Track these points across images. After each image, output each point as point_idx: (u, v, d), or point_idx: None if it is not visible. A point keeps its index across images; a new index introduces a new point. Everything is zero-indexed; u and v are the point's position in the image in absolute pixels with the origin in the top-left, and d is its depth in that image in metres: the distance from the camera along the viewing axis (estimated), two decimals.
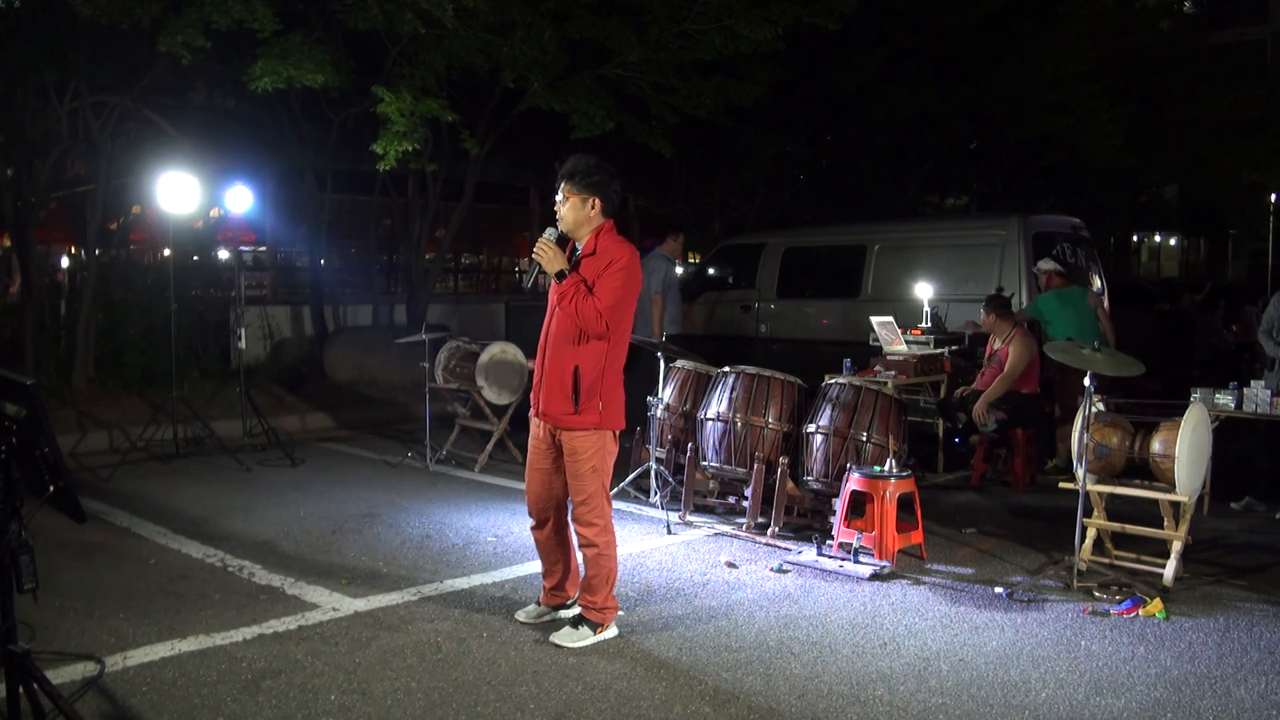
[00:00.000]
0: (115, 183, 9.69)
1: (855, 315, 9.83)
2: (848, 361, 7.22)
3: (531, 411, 4.26)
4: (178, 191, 7.73)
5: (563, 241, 4.16)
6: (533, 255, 4.06)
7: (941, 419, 7.71)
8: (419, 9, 8.27)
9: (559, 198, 4.12)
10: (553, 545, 4.34)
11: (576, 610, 4.26)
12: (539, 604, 4.43)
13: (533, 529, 4.36)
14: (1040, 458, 7.45)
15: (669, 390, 6.63)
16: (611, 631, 4.20)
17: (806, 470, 5.90)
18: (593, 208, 4.11)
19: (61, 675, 3.67)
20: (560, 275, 4.00)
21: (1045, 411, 7.58)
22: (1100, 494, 5.23)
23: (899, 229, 11.14)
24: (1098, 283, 10.23)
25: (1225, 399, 6.04)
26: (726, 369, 6.28)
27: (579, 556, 4.32)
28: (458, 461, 7.77)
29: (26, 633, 3.94)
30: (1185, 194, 24.80)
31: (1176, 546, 5.01)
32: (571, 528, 4.29)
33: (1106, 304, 8.82)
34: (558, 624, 4.26)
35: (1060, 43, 13.94)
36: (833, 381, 6.10)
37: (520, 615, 4.41)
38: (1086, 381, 4.92)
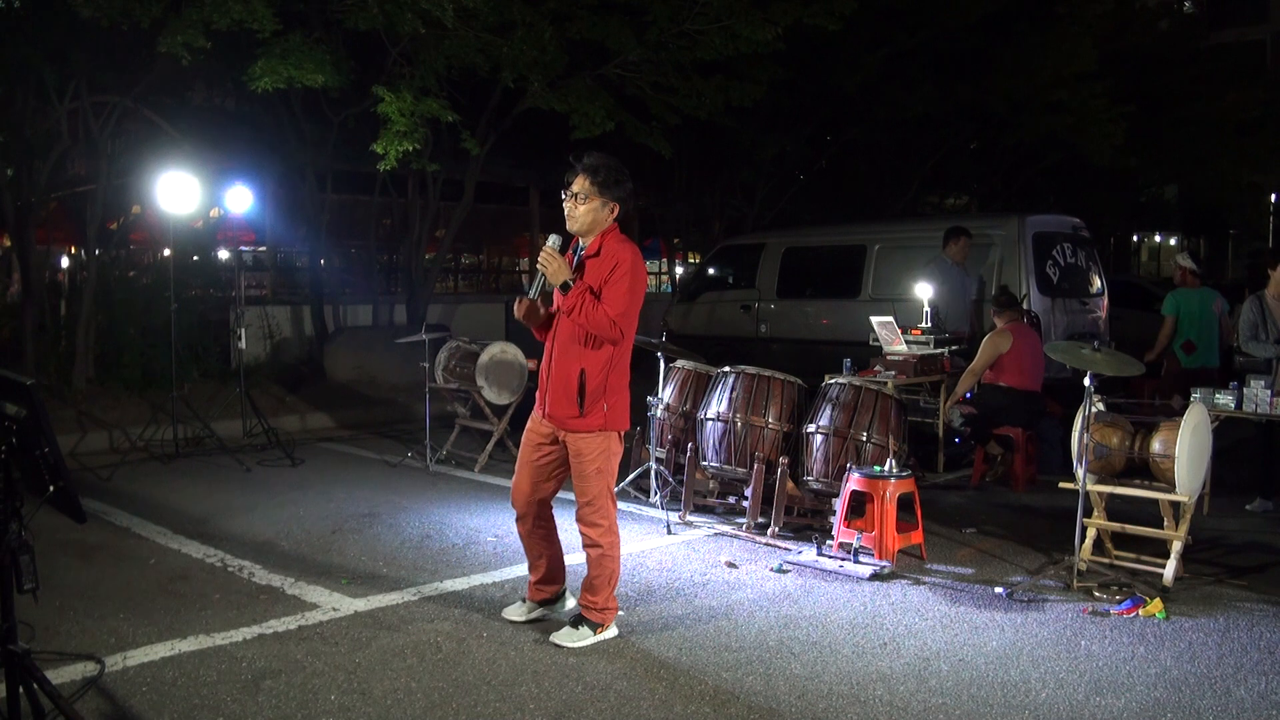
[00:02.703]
0: (115, 183, 9.69)
1: (855, 315, 9.82)
2: (848, 361, 7.21)
3: (537, 409, 4.22)
4: (178, 191, 7.73)
5: (564, 242, 4.14)
6: (537, 265, 4.00)
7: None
8: (419, 9, 8.26)
9: (577, 193, 4.03)
10: (537, 539, 4.29)
11: (573, 604, 4.26)
12: (525, 600, 4.41)
13: (517, 521, 4.32)
14: (1040, 457, 7.45)
15: (669, 390, 6.63)
16: (611, 632, 4.20)
17: (806, 470, 5.90)
18: (611, 212, 4.08)
19: (61, 675, 3.67)
20: (565, 286, 3.95)
21: (1047, 410, 7.58)
22: (1100, 494, 5.23)
23: (899, 229, 11.14)
24: (1098, 283, 10.24)
25: (1225, 399, 6.03)
26: (726, 369, 6.27)
27: (583, 553, 4.29)
28: (458, 461, 7.77)
29: (26, 633, 3.94)
30: (1185, 194, 24.80)
31: (1176, 546, 5.01)
32: (554, 523, 4.28)
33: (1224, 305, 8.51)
34: (550, 622, 4.26)
35: (1060, 43, 13.95)
36: (833, 381, 6.10)
37: (508, 613, 4.38)
38: (1086, 381, 4.92)
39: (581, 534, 4.18)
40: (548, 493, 4.26)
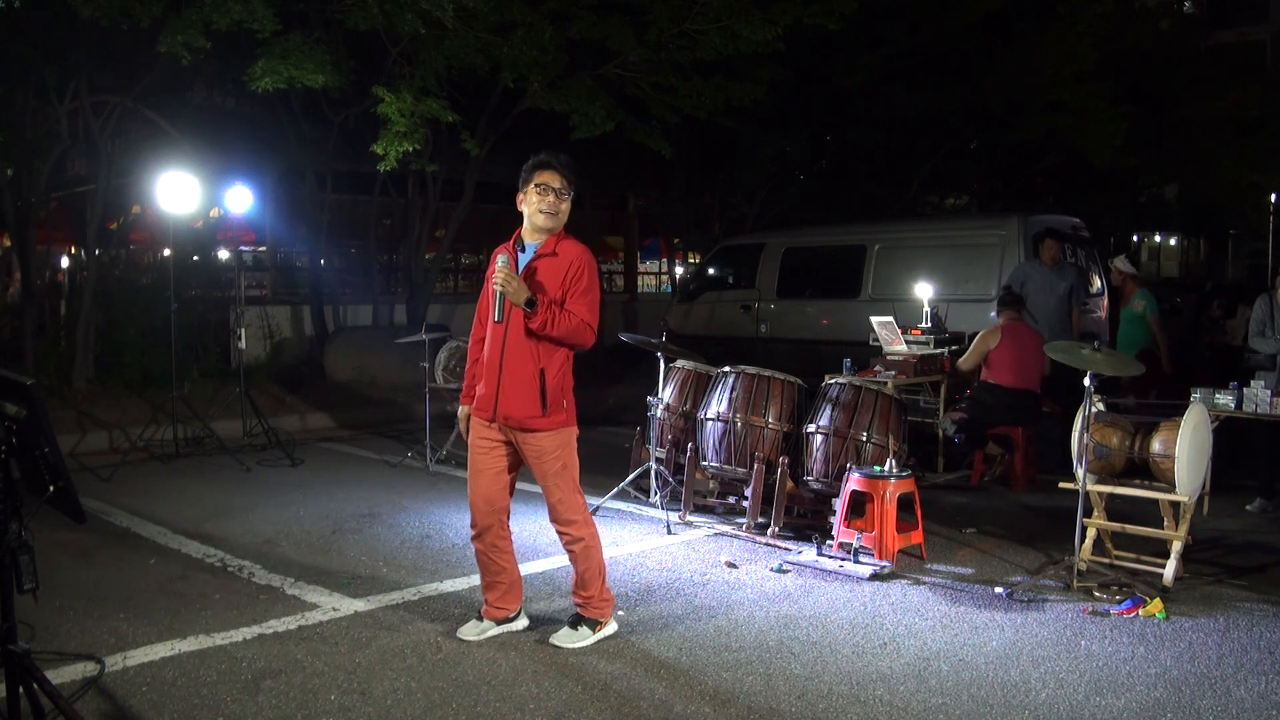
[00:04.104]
0: (115, 183, 9.70)
1: (855, 315, 9.83)
2: (848, 361, 7.22)
3: (478, 414, 4.10)
4: (178, 191, 7.73)
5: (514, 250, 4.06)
6: (498, 288, 3.90)
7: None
8: (419, 9, 8.27)
9: (559, 189, 3.98)
10: (498, 553, 4.15)
11: (527, 622, 4.24)
12: (481, 618, 4.21)
13: (474, 539, 4.13)
14: (1040, 457, 7.45)
15: (669, 390, 6.63)
16: (611, 627, 4.18)
17: (806, 470, 5.90)
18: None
19: (61, 675, 3.67)
20: (531, 303, 3.86)
21: (1045, 411, 7.58)
22: (1100, 494, 5.23)
23: (899, 229, 11.15)
24: (1097, 283, 10.25)
25: (1225, 399, 6.04)
26: (726, 369, 6.28)
27: (566, 556, 4.23)
28: (458, 461, 7.76)
29: (26, 633, 3.94)
30: (1185, 194, 24.79)
31: (1176, 546, 5.01)
32: (511, 535, 4.19)
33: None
34: (551, 622, 4.25)
35: (1060, 43, 13.95)
36: (833, 381, 6.10)
37: (463, 632, 4.16)
38: (1086, 381, 4.92)
39: (560, 534, 4.13)
40: (507, 500, 4.15)
